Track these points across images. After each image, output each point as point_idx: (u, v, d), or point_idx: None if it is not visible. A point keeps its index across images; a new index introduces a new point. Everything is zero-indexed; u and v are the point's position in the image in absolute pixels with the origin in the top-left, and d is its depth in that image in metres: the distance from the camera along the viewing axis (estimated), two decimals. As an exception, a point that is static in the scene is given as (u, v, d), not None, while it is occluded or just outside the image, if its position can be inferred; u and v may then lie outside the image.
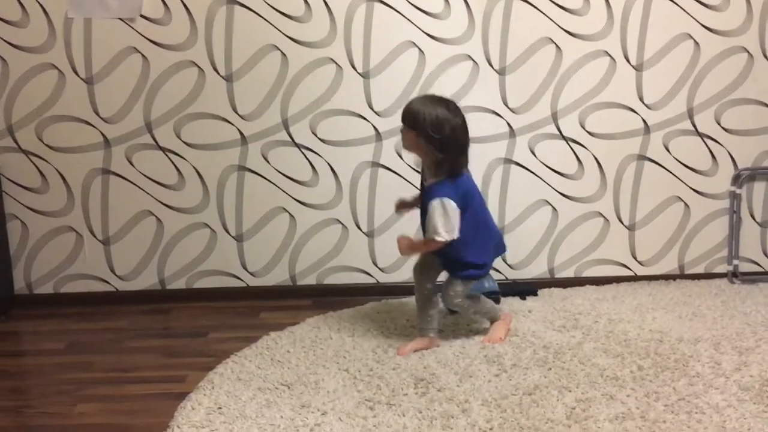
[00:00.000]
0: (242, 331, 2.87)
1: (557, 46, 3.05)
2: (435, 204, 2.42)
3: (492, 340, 2.67)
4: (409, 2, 2.99)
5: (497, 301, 3.03)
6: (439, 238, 2.44)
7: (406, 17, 3.00)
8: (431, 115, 2.38)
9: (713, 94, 3.12)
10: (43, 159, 3.09)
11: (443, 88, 3.04)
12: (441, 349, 2.61)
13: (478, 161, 3.14)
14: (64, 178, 3.11)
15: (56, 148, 3.08)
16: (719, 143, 3.17)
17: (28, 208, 3.13)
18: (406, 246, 2.56)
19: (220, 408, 2.25)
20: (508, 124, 3.11)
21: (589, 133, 3.13)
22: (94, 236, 3.17)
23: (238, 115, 3.07)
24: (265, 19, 2.99)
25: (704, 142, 3.17)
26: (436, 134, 2.38)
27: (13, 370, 2.66)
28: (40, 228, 3.15)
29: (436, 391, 2.32)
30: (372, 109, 3.08)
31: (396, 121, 3.07)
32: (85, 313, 3.10)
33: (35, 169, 3.10)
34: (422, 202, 2.58)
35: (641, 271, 3.28)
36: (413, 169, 3.15)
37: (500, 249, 2.76)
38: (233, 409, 2.24)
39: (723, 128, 3.16)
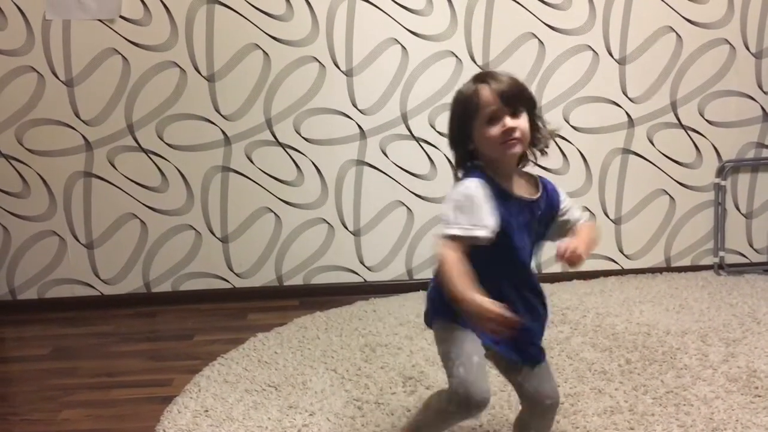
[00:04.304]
0: (229, 333, 2.84)
1: (540, 41, 3.04)
2: (560, 190, 1.73)
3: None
4: (391, -1, 2.98)
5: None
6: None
7: (388, 14, 2.99)
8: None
9: (696, 87, 3.13)
10: (24, 163, 3.05)
11: (427, 85, 3.04)
12: (430, 348, 2.60)
13: (464, 158, 3.13)
14: (45, 182, 3.07)
15: (37, 152, 3.04)
16: (703, 135, 3.18)
17: (9, 213, 3.09)
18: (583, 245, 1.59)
19: (207, 411, 2.23)
20: (493, 119, 3.10)
21: (573, 127, 3.13)
22: (78, 240, 3.13)
23: (221, 115, 3.05)
24: (246, 18, 2.96)
25: (688, 134, 3.18)
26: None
27: (-3, 377, 2.63)
28: (22, 233, 3.11)
29: (424, 389, 2.30)
30: (356, 107, 3.06)
31: (380, 119, 3.07)
32: (70, 318, 3.06)
33: (16, 174, 3.06)
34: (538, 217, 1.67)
35: (628, 264, 3.29)
36: (399, 167, 3.13)
37: None
38: (220, 412, 2.22)
39: (706, 120, 3.17)
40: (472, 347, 1.61)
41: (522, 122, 1.59)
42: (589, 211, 3.21)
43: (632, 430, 2.03)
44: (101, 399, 2.38)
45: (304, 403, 2.24)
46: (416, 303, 3.03)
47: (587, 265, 3.21)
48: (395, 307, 3.00)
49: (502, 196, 1.59)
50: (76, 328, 2.99)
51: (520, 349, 1.67)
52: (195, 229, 3.15)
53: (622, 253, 3.28)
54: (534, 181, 1.70)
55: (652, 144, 3.17)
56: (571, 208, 1.72)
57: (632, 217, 3.24)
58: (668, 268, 3.29)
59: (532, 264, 1.71)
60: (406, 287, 3.19)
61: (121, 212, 3.12)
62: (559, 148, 3.14)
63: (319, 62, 3.02)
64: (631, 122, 3.15)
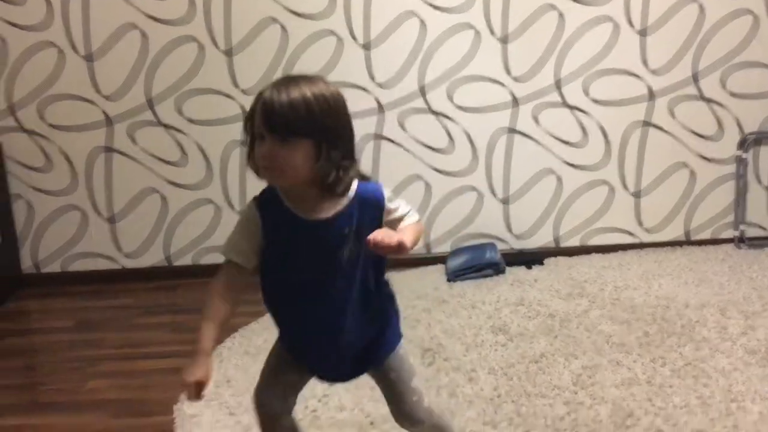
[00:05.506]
0: (249, 306, 2.81)
1: (559, 12, 3.01)
2: (383, 188, 1.49)
3: None
4: (409, -29, 2.96)
5: (502, 272, 3.04)
6: (415, 213, 1.53)
7: (406, -14, 2.97)
8: (322, 98, 1.39)
9: (718, 58, 3.09)
10: (46, 138, 3.08)
11: (445, 58, 3.03)
12: (447, 320, 2.62)
13: (482, 131, 3.12)
14: (67, 157, 3.11)
15: (58, 127, 3.07)
16: (725, 107, 3.14)
17: (32, 187, 3.13)
18: (400, 237, 1.37)
19: (228, 381, 2.27)
20: (511, 93, 3.09)
21: (593, 100, 3.10)
22: (99, 214, 3.17)
23: (239, 89, 3.05)
24: (263, -9, 2.96)
25: (710, 106, 3.14)
26: (341, 125, 1.42)
27: (24, 348, 2.68)
28: (45, 207, 3.16)
29: (442, 360, 2.33)
30: (374, 80, 3.05)
31: (399, 92, 3.07)
32: (93, 291, 3.11)
33: (38, 149, 3.09)
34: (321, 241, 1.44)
35: (647, 238, 3.27)
36: (417, 141, 3.13)
37: None
38: (242, 382, 2.26)
39: (728, 92, 3.12)
40: (272, 354, 1.66)
41: (287, 152, 1.34)
42: (608, 184, 3.19)
43: (650, 401, 2.04)
44: (126, 369, 2.43)
45: (324, 374, 2.26)
46: (434, 276, 3.05)
47: (606, 239, 3.24)
48: (413, 280, 3.01)
49: (284, 216, 1.44)
50: (99, 300, 3.04)
51: (318, 364, 1.60)
52: (214, 203, 3.18)
53: (642, 226, 3.26)
54: (343, 195, 1.43)
55: (673, 116, 3.14)
56: (398, 210, 1.49)
57: (652, 191, 3.22)
58: (688, 242, 3.27)
59: (356, 281, 1.48)
60: (424, 261, 3.20)
61: (142, 187, 3.15)
62: (579, 121, 3.12)
63: (337, 36, 3.01)
64: (651, 95, 3.11)
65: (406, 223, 1.49)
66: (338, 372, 1.61)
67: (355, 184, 1.46)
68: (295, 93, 1.36)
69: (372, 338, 1.57)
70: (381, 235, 1.34)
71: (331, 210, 1.43)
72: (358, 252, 1.45)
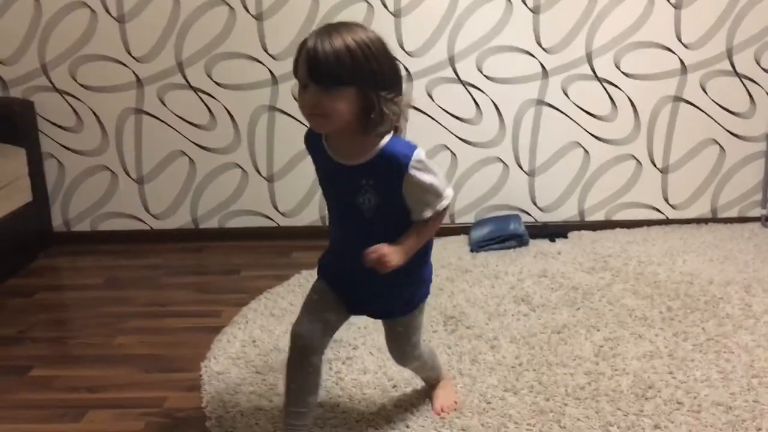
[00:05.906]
0: (274, 270, 2.91)
1: (593, -17, 2.97)
2: (416, 154, 1.50)
3: (448, 408, 1.91)
4: (442, -62, 2.93)
5: (526, 244, 3.04)
6: (447, 200, 1.56)
7: (438, -47, 2.94)
8: (363, 45, 1.43)
9: (754, 34, 3.03)
10: (78, 98, 3.11)
11: (475, 27, 3.01)
12: (470, 289, 2.64)
13: (509, 103, 3.11)
14: (98, 118, 3.14)
15: (90, 88, 3.10)
16: (758, 84, 3.09)
17: (63, 147, 3.17)
18: (393, 253, 1.50)
19: (254, 341, 2.32)
20: (541, 64, 3.06)
21: (624, 73, 3.07)
22: (129, 175, 3.21)
23: (269, 54, 3.06)
24: (295, -45, 2.95)
25: (743, 82, 3.10)
26: (381, 69, 1.45)
27: (54, 303, 2.74)
28: (75, 167, 3.20)
29: (465, 328, 2.35)
30: (403, 49, 3.04)
31: (428, 61, 3.05)
32: (122, 251, 3.17)
33: (70, 109, 3.13)
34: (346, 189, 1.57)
35: (673, 214, 3.26)
36: (444, 110, 3.12)
37: None
38: (267, 343, 2.30)
39: (763, 69, 3.08)
40: (314, 291, 1.71)
41: (331, 100, 1.42)
42: (636, 159, 3.17)
43: (671, 374, 2.05)
44: (154, 326, 2.49)
45: (347, 337, 2.30)
46: (457, 246, 3.06)
47: (631, 214, 3.23)
48: (437, 249, 2.96)
49: (321, 152, 1.58)
50: (127, 260, 3.09)
51: (346, 293, 1.69)
52: (241, 167, 3.20)
53: (668, 202, 3.24)
54: (371, 148, 1.50)
55: (705, 92, 3.10)
56: (422, 187, 1.52)
57: (680, 167, 3.19)
58: (714, 219, 3.25)
59: (371, 231, 1.56)
60: (448, 231, 3.21)
61: (171, 149, 3.18)
62: (608, 94, 3.10)
63: (368, 2, 2.99)
64: (684, 69, 3.07)
65: (420, 218, 1.56)
66: (357, 303, 1.71)
67: (386, 139, 1.51)
68: (338, 42, 1.41)
69: (399, 292, 1.68)
70: (373, 259, 1.48)
71: (358, 158, 1.52)
72: (377, 206, 1.54)
